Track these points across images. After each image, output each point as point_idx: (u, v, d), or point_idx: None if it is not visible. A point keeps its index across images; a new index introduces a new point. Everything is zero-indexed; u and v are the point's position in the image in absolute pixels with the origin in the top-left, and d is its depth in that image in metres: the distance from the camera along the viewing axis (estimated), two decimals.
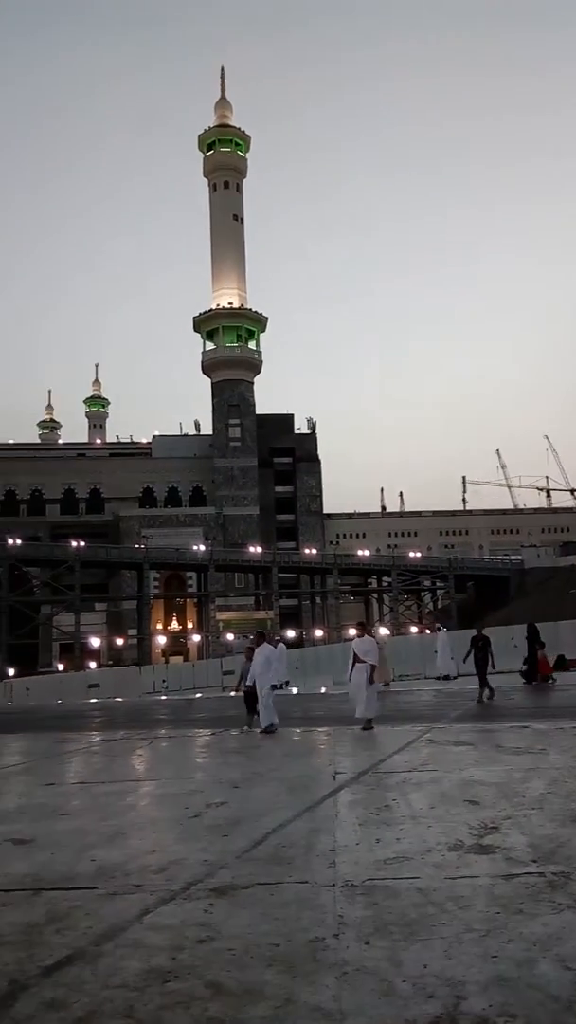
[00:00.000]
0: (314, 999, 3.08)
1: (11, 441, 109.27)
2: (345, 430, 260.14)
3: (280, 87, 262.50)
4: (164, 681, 38.29)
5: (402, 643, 35.35)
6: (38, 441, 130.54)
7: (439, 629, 28.68)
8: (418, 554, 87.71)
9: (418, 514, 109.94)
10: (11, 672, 57.38)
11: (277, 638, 31.71)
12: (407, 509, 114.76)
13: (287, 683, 26.01)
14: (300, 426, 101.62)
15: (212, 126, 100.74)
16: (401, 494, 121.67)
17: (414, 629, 73.13)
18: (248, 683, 13.62)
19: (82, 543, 74.19)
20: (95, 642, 75.66)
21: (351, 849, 5.36)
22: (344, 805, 6.87)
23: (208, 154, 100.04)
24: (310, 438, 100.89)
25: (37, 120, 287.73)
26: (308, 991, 3.15)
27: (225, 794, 7.70)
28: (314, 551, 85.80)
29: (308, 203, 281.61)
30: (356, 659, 12.81)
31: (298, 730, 13.34)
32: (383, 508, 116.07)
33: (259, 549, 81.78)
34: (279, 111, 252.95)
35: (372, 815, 6.34)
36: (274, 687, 13.82)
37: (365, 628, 13.79)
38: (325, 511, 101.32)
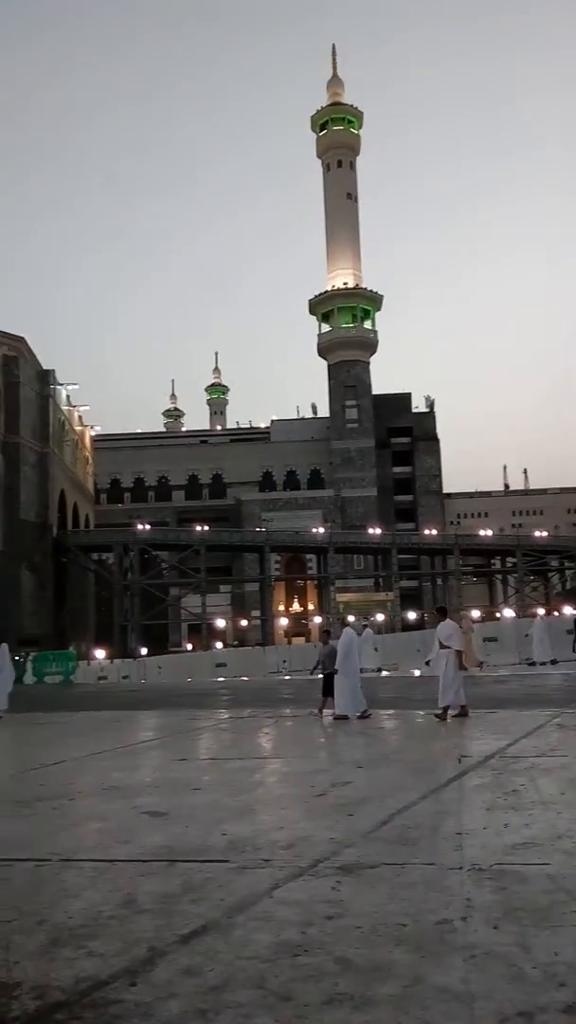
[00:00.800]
0: (443, 980, 3.08)
1: (139, 430, 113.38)
2: (465, 408, 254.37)
3: (391, 57, 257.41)
4: (285, 662, 38.85)
5: (527, 626, 34.41)
6: (163, 430, 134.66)
7: (535, 614, 28.15)
8: (544, 533, 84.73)
9: (543, 492, 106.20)
10: (144, 651, 59.81)
11: (364, 624, 31.54)
12: (532, 487, 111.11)
13: (378, 669, 26.12)
14: (418, 405, 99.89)
15: (325, 105, 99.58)
16: (525, 471, 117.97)
17: (541, 611, 70.90)
18: (325, 669, 13.44)
19: (206, 527, 76.19)
20: (220, 623, 77.74)
21: (478, 833, 5.31)
22: (470, 789, 6.80)
23: (321, 134, 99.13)
24: (428, 417, 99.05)
25: (149, 102, 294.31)
26: (437, 972, 3.17)
27: (349, 774, 7.78)
28: (434, 532, 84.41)
29: (421, 175, 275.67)
30: (441, 645, 12.28)
31: (421, 713, 13.27)
32: (506, 486, 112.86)
33: (378, 531, 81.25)
34: (391, 82, 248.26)
35: (500, 800, 6.25)
36: (363, 670, 13.55)
37: (446, 612, 13.29)
38: (445, 491, 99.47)
